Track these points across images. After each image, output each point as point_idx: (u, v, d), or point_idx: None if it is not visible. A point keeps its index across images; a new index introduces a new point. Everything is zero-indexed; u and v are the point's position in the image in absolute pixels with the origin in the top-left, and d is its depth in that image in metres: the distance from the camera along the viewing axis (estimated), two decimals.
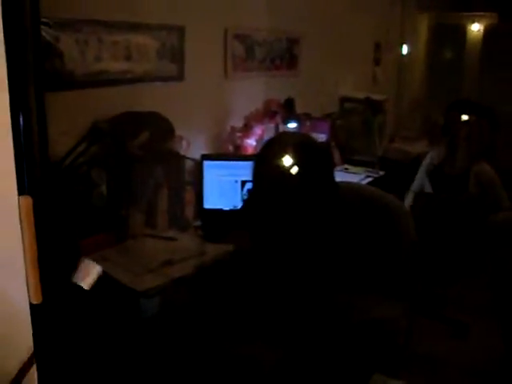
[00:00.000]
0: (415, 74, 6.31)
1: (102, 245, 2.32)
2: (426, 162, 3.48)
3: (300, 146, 1.78)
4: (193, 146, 2.84)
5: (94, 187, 2.27)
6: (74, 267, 1.84)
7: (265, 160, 1.82)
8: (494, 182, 3.18)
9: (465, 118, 3.30)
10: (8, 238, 1.60)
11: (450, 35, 6.83)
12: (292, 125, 3.22)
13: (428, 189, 3.37)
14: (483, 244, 3.15)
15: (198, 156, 2.81)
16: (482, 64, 6.68)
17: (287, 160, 1.72)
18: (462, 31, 6.85)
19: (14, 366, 1.75)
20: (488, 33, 6.64)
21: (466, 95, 6.11)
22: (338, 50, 4.33)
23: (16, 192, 1.53)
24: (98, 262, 2.21)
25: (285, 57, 3.74)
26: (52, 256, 1.59)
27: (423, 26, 6.44)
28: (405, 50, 5.78)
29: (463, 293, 3.44)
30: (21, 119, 1.49)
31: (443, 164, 3.35)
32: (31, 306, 1.60)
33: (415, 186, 3.49)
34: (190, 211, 2.71)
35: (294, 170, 1.72)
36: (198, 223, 2.70)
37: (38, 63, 1.72)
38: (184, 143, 2.78)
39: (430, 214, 3.17)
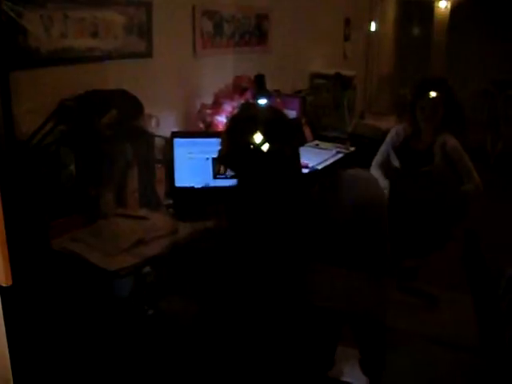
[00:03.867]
0: (384, 51, 6.33)
1: (72, 226, 2.29)
2: (391, 135, 3.49)
3: (270, 120, 1.78)
4: (162, 123, 2.80)
5: (62, 167, 2.22)
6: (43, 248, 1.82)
7: (236, 136, 1.81)
8: (460, 152, 3.19)
9: (431, 94, 3.32)
10: None
11: (417, 12, 6.86)
12: (263, 101, 3.19)
13: (396, 164, 3.39)
14: (453, 216, 3.20)
15: (167, 134, 2.77)
16: (449, 41, 6.73)
17: (258, 136, 1.71)
18: (430, 8, 6.88)
19: None
20: (455, 10, 6.69)
21: (433, 71, 6.16)
22: (307, 26, 4.31)
23: None
24: (68, 243, 2.20)
25: (254, 33, 3.71)
26: (21, 237, 1.56)
27: (391, 2, 6.45)
28: (373, 26, 5.78)
29: (432, 265, 3.49)
30: None
31: (409, 139, 3.37)
32: (1, 288, 1.58)
33: (377, 159, 3.48)
34: (160, 190, 2.68)
35: (265, 145, 1.71)
36: (170, 202, 2.68)
37: (2, 40, 1.67)
38: (153, 121, 2.74)
39: (401, 188, 3.18)
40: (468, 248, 1.80)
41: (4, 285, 1.55)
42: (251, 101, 3.19)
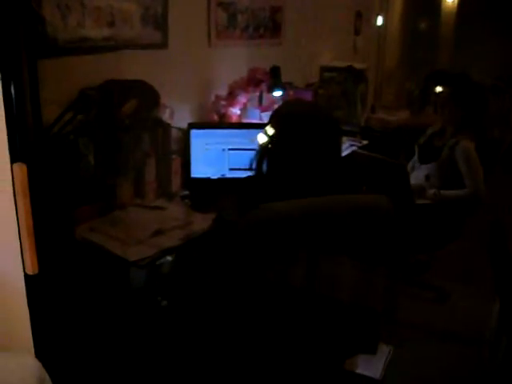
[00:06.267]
0: (391, 45, 6.31)
1: (90, 216, 2.28)
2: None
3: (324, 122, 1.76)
4: (177, 114, 2.80)
5: (81, 156, 2.22)
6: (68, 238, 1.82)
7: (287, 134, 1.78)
8: (468, 155, 3.13)
9: (439, 89, 3.31)
10: (0, 208, 1.57)
11: (425, 6, 6.84)
12: (277, 93, 3.20)
13: (415, 158, 3.40)
14: (462, 211, 3.21)
15: (181, 124, 2.78)
16: (457, 35, 6.72)
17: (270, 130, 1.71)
18: (437, 2, 6.86)
19: (11, 339, 1.73)
20: (462, 4, 6.67)
21: (440, 66, 6.15)
22: (319, 19, 4.29)
23: (8, 160, 1.50)
24: (86, 232, 2.20)
25: (268, 25, 3.69)
26: (47, 225, 1.56)
27: None
28: (380, 20, 5.75)
29: (443, 259, 3.50)
30: (12, 87, 1.45)
31: (434, 135, 3.36)
32: (26, 276, 1.58)
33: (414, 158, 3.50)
34: (177, 180, 2.68)
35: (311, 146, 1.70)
36: (185, 192, 2.68)
37: (30, 29, 1.67)
38: (168, 112, 2.74)
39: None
40: (494, 239, 1.80)
41: (30, 273, 1.55)
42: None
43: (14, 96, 1.47)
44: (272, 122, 1.77)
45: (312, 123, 1.73)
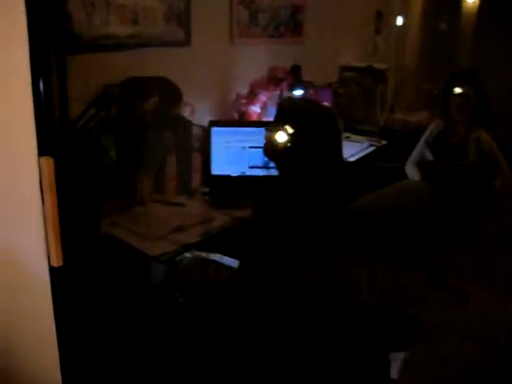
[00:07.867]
0: (410, 45, 6.29)
1: (111, 211, 2.31)
2: (426, 133, 3.49)
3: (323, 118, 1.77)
4: (198, 112, 2.82)
5: (103, 152, 2.24)
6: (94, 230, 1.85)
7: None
8: (493, 148, 3.20)
9: (458, 90, 3.31)
10: (27, 201, 1.60)
11: (445, 7, 6.79)
12: (298, 92, 3.20)
13: (429, 158, 3.39)
14: (484, 211, 3.19)
15: (202, 122, 2.80)
16: (477, 36, 6.67)
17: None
18: (458, 3, 6.82)
19: (34, 331, 1.76)
20: (483, 5, 6.62)
21: (460, 66, 6.11)
22: (340, 18, 4.29)
23: (36, 153, 1.52)
24: (108, 227, 2.22)
25: (289, 24, 3.71)
26: (72, 219, 1.58)
27: None
28: (400, 20, 5.72)
29: (463, 260, 3.48)
30: (41, 82, 1.47)
31: (443, 133, 3.37)
32: (51, 269, 1.60)
33: (413, 156, 3.49)
34: (197, 177, 2.70)
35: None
36: (205, 189, 2.70)
37: (60, 24, 1.69)
38: (189, 109, 2.76)
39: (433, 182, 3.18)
40: None
41: (55, 265, 1.58)
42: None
43: (42, 91, 1.48)
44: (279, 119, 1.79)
45: (309, 120, 1.74)
